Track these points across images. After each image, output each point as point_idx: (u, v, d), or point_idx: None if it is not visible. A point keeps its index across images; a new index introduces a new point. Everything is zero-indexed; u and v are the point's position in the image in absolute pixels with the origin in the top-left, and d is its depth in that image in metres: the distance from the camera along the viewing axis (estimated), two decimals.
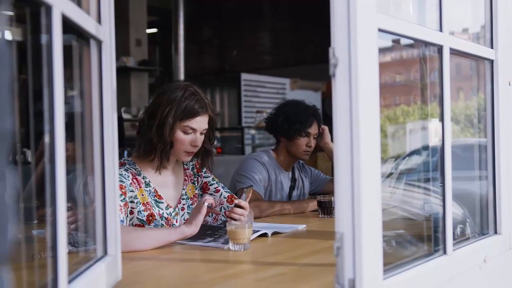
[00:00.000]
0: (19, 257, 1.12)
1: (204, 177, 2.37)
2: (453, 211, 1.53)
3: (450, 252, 1.49)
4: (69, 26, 1.08)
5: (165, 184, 2.23)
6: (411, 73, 2.09)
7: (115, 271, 1.36)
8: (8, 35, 0.62)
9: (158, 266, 1.69)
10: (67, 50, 1.07)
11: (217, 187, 2.35)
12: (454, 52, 1.54)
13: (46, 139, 0.97)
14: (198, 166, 2.37)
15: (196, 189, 2.34)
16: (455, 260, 1.51)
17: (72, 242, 1.37)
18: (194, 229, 1.92)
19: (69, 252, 1.05)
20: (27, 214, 1.37)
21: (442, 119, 1.50)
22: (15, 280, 0.89)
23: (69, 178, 1.06)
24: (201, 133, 2.17)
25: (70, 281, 1.06)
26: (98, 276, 1.23)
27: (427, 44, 1.52)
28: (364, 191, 1.14)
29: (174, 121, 2.10)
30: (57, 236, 0.97)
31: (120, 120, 5.86)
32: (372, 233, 1.17)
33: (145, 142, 2.14)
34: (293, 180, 3.09)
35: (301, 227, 2.30)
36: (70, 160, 1.20)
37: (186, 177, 2.32)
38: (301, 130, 2.91)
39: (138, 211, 2.10)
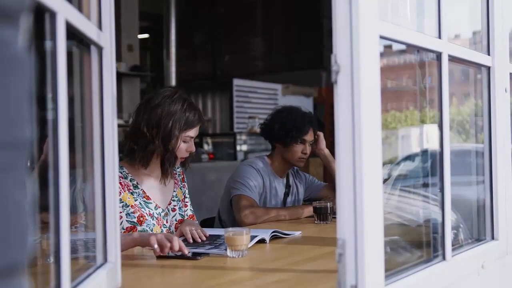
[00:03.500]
0: None
1: (185, 188, 2.48)
2: None
3: (449, 258, 1.50)
4: (70, 32, 1.07)
5: (155, 186, 2.30)
6: (403, 79, 2.10)
7: (115, 278, 1.35)
8: (28, 44, 0.61)
9: (157, 273, 1.68)
10: (68, 56, 1.07)
11: (187, 202, 2.46)
12: (452, 58, 1.55)
13: (50, 145, 0.96)
14: (182, 176, 2.48)
15: (182, 195, 2.43)
16: (454, 266, 1.52)
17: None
18: (140, 241, 1.88)
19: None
20: None
21: (441, 125, 1.50)
22: None
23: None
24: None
25: None
26: (99, 283, 1.22)
27: (426, 51, 1.53)
28: (366, 197, 1.14)
29: (179, 133, 2.21)
30: (60, 244, 0.97)
31: None
32: (374, 239, 1.17)
33: (148, 154, 2.21)
34: (288, 186, 3.08)
35: (297, 233, 2.30)
36: (70, 166, 1.19)
37: (176, 181, 2.41)
38: (297, 137, 2.91)
39: (126, 214, 2.16)
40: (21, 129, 0.56)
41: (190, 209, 2.47)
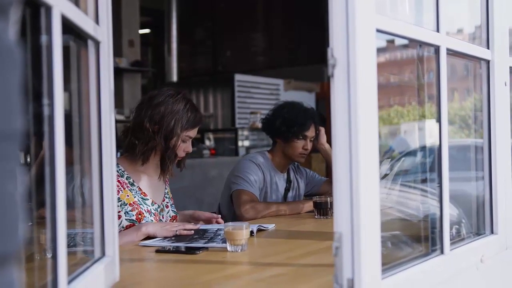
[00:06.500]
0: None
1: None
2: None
3: (448, 252, 1.50)
4: (66, 26, 1.07)
5: (149, 183, 2.33)
6: (405, 73, 2.09)
7: (113, 272, 1.36)
8: (18, 36, 0.62)
9: (155, 267, 1.69)
10: (65, 51, 1.07)
11: (172, 202, 2.46)
12: (450, 52, 1.55)
13: (46, 140, 0.97)
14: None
15: (171, 193, 2.48)
16: (452, 260, 1.52)
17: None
18: (153, 231, 2.07)
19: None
20: None
21: (439, 120, 1.50)
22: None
23: (65, 180, 1.05)
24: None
25: (69, 282, 1.05)
26: (96, 277, 1.22)
27: (424, 44, 1.53)
28: (363, 191, 1.14)
29: (181, 132, 2.24)
30: (57, 238, 0.97)
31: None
32: (370, 232, 1.17)
33: (149, 150, 2.24)
34: (288, 181, 3.08)
35: (271, 226, 2.32)
36: (67, 162, 1.19)
37: (166, 179, 2.44)
38: (299, 133, 2.90)
39: (125, 213, 2.18)
40: (12, 121, 0.56)
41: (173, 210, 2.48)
